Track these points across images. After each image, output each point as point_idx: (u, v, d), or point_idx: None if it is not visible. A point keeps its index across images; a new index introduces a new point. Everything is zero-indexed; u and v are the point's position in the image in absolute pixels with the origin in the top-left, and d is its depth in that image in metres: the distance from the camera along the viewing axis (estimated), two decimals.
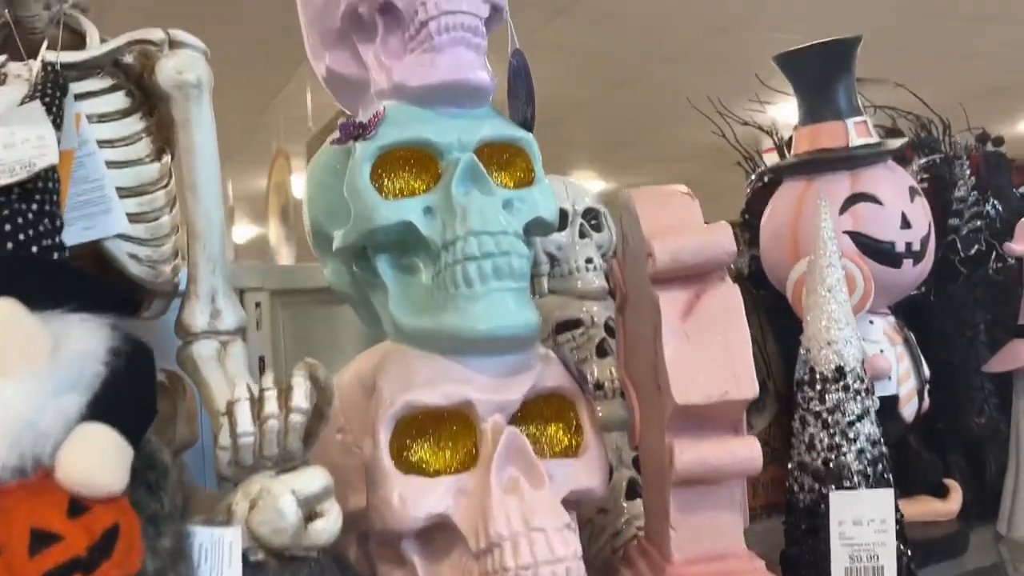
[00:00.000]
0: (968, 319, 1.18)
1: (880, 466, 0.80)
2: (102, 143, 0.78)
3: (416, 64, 0.81)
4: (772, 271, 1.00)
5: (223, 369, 0.82)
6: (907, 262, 0.94)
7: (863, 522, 0.77)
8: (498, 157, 0.84)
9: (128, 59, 0.80)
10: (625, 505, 0.96)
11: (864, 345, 0.95)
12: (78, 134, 0.76)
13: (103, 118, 0.79)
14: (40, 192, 0.66)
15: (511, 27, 0.89)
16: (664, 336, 0.72)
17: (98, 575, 0.46)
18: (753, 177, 1.20)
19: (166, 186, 0.84)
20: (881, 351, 0.96)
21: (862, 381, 0.81)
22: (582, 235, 1.06)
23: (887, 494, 0.77)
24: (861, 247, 0.93)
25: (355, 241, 0.80)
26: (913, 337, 1.00)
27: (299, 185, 5.59)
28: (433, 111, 0.82)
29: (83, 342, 0.55)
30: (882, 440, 0.81)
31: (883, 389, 0.95)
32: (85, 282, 0.62)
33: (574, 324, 1.02)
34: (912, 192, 0.96)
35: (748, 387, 0.70)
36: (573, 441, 0.81)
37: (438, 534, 0.74)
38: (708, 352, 0.71)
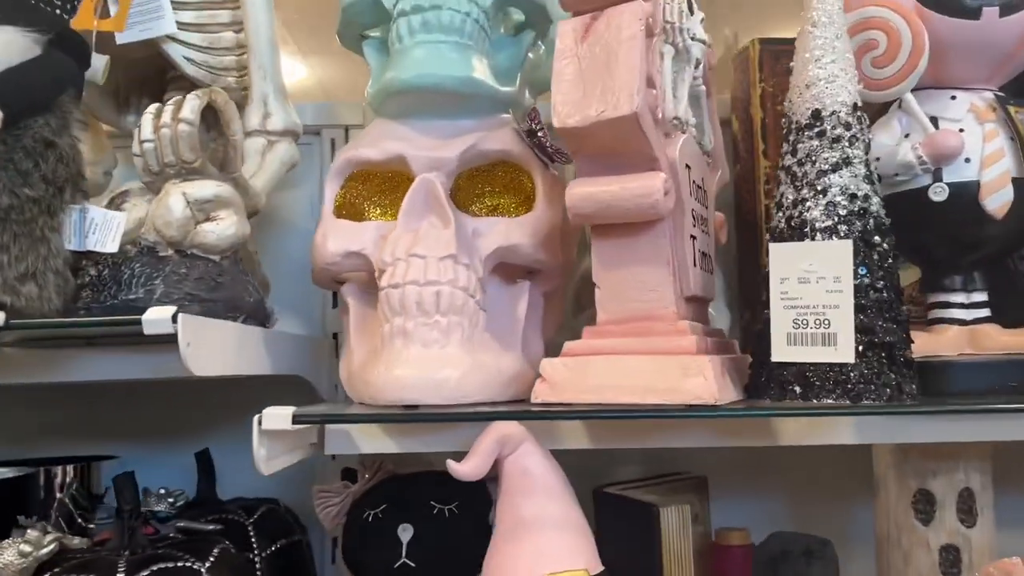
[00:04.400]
0: None
1: (860, 223, 0.65)
2: None
3: None
4: None
5: (261, 161, 0.94)
6: (989, 11, 0.73)
7: (811, 280, 0.64)
8: None
9: None
10: None
11: (940, 123, 0.77)
12: None
13: None
14: None
15: None
16: (556, 61, 0.67)
17: None
18: None
19: (231, 8, 0.98)
20: (961, 130, 0.75)
21: (847, 128, 0.67)
22: None
23: (843, 246, 0.63)
24: None
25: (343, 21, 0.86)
26: (1022, 120, 0.77)
27: None
28: None
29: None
30: (872, 196, 0.65)
31: (957, 173, 0.75)
32: None
33: None
34: None
35: (626, 105, 0.63)
36: (519, 207, 0.79)
37: (370, 279, 0.78)
38: (593, 76, 0.65)
